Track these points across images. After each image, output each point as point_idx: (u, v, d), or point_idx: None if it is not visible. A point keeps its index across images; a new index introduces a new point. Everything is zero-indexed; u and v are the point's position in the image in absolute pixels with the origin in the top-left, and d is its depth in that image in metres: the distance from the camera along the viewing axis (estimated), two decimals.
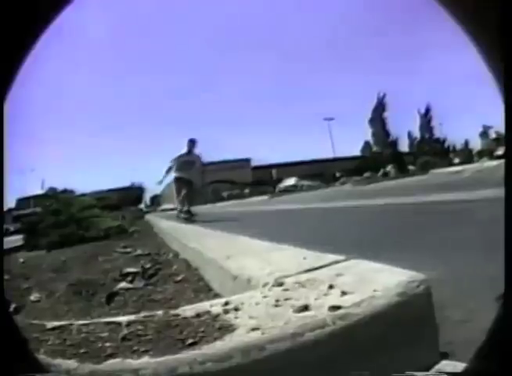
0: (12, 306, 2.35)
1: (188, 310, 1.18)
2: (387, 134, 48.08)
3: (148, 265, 3.16)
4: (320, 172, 50.48)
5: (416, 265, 1.34)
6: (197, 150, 10.56)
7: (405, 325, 1.15)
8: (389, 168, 42.99)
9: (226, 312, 1.12)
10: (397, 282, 1.22)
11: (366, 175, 41.86)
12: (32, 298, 2.76)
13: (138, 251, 4.37)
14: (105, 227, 8.08)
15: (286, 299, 1.16)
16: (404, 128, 53.82)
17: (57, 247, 7.06)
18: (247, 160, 57.77)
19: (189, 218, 9.54)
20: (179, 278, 2.56)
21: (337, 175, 47.77)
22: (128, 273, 2.88)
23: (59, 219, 8.39)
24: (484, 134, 42.53)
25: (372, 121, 48.74)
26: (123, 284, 2.59)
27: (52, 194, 9.91)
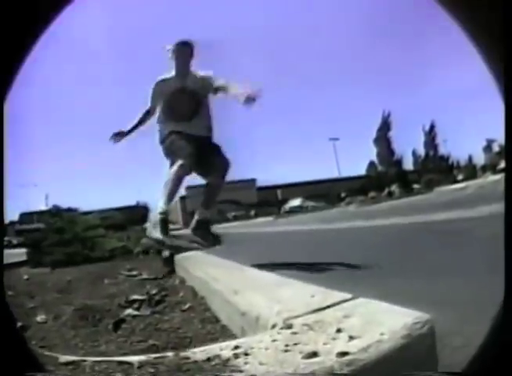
0: (19, 324, 2.34)
1: (198, 353, 1.18)
2: (391, 153, 48.01)
3: (154, 291, 3.15)
4: (325, 193, 50.38)
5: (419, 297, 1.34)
6: None
7: (408, 365, 1.14)
8: (393, 187, 42.87)
9: (236, 356, 1.12)
10: (403, 324, 1.22)
11: (371, 194, 41.72)
12: (38, 319, 2.74)
13: (144, 275, 4.37)
14: (110, 248, 8.09)
15: (295, 344, 1.16)
16: (409, 146, 53.68)
17: (62, 265, 7.02)
18: (253, 181, 57.76)
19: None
20: (186, 307, 2.55)
21: (342, 195, 47.61)
22: (135, 300, 2.87)
23: (64, 238, 8.34)
24: (487, 148, 42.37)
25: (377, 141, 48.78)
26: (129, 311, 2.58)
27: (55, 212, 9.86)
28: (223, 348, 1.20)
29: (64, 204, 10.94)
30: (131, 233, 20.41)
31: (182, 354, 1.17)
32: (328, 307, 1.52)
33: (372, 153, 50.87)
